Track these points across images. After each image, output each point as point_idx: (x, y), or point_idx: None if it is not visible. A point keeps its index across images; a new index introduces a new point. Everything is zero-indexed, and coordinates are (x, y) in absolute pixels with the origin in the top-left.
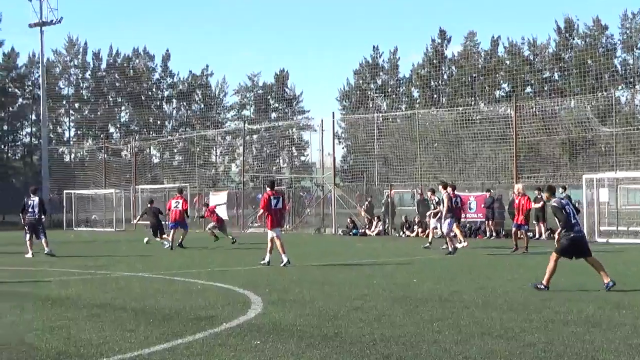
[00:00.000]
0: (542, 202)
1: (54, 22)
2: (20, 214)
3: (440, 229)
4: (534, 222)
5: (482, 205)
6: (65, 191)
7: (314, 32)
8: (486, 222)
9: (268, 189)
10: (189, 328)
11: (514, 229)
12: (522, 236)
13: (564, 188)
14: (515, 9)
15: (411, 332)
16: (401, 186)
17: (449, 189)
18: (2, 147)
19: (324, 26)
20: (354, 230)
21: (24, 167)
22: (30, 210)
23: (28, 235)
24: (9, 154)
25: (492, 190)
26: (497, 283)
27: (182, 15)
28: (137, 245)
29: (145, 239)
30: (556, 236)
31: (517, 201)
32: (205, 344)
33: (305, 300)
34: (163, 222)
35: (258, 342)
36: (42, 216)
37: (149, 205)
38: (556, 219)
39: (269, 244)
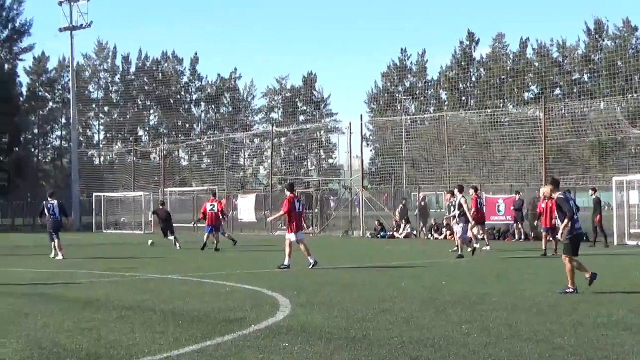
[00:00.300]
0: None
1: (83, 26)
2: (40, 218)
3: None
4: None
5: (512, 207)
6: (94, 194)
7: (342, 35)
8: (515, 224)
9: (288, 192)
10: (218, 330)
11: (543, 233)
12: (550, 239)
13: (594, 190)
14: (544, 10)
15: (439, 334)
16: (429, 189)
17: (471, 191)
18: (33, 150)
19: (351, 28)
20: (382, 233)
21: (54, 170)
22: (51, 213)
23: (54, 238)
24: (39, 157)
25: (521, 193)
26: (525, 286)
27: (210, 19)
28: (166, 248)
29: (150, 241)
30: (561, 229)
31: (543, 205)
32: (234, 345)
33: (333, 303)
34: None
35: (286, 344)
36: (63, 218)
37: (160, 206)
38: (560, 212)
39: (288, 248)
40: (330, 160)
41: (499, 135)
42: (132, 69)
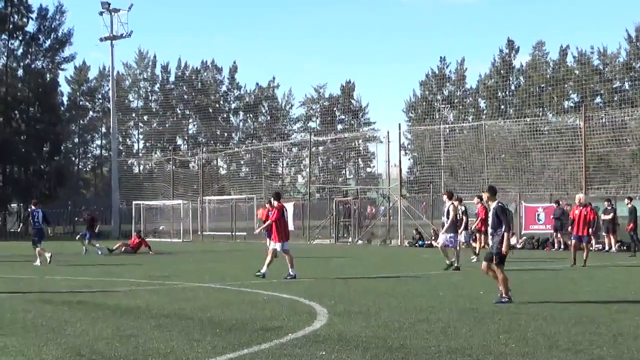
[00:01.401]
0: (612, 214)
1: (124, 35)
2: (22, 223)
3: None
4: (604, 233)
5: (552, 217)
6: (134, 202)
7: (381, 43)
8: (554, 233)
9: (275, 202)
10: (255, 338)
11: (573, 241)
12: (583, 249)
13: (630, 199)
14: (584, 18)
15: (477, 344)
16: (468, 197)
17: (476, 199)
18: (73, 159)
19: (390, 37)
20: (420, 242)
21: (94, 178)
22: (35, 221)
23: (37, 245)
24: (80, 166)
25: (560, 202)
26: (563, 296)
27: (249, 28)
28: (205, 256)
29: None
30: (505, 240)
31: (577, 212)
32: (271, 354)
33: (370, 312)
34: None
35: (323, 353)
36: (45, 226)
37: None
38: (497, 221)
39: (269, 257)
40: (369, 169)
41: (539, 144)
42: (172, 78)
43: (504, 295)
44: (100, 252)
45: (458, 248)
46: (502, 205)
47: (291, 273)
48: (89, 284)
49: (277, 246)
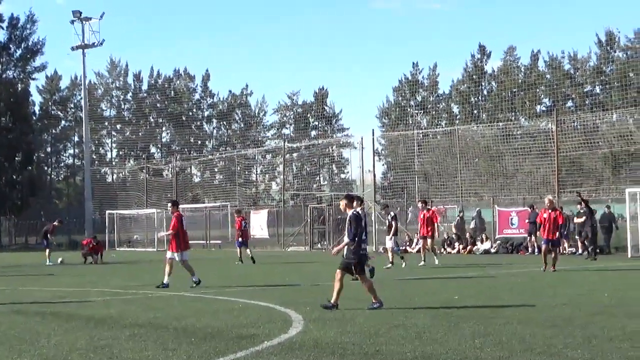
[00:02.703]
0: (584, 217)
1: (95, 44)
2: None
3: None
4: (577, 237)
5: (526, 221)
6: (107, 211)
7: (353, 50)
8: (529, 237)
9: (177, 209)
10: (231, 346)
11: (543, 246)
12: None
13: (608, 207)
14: (555, 23)
15: (453, 348)
16: (442, 202)
17: (420, 205)
18: (46, 169)
19: (362, 43)
20: (395, 248)
21: (67, 188)
22: None
23: None
24: (53, 176)
25: (535, 206)
26: (539, 299)
27: (221, 36)
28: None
29: (60, 259)
30: (340, 246)
31: (545, 215)
32: None
33: (346, 318)
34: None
35: None
36: None
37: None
38: (349, 230)
39: (168, 267)
40: (343, 175)
41: (511, 149)
42: (144, 87)
43: (374, 300)
44: (49, 263)
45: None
46: (357, 214)
47: (194, 280)
48: (62, 295)
49: (175, 256)
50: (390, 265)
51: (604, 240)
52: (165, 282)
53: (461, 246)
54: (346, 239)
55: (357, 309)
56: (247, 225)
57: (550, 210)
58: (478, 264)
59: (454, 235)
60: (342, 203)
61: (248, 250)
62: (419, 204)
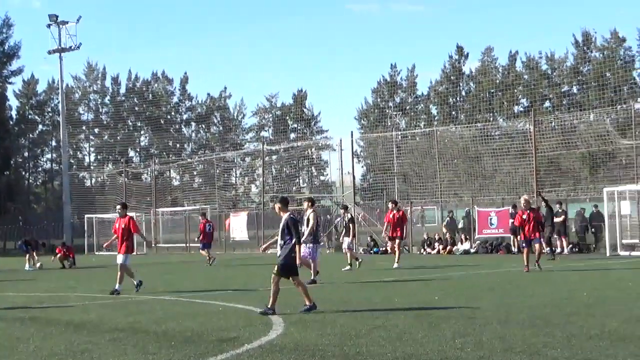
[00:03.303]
0: (563, 216)
1: (72, 48)
2: None
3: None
4: (556, 236)
5: (510, 220)
6: (86, 216)
7: (331, 51)
8: (514, 237)
9: (125, 212)
10: (211, 350)
11: (525, 249)
12: (535, 252)
13: (596, 207)
14: (532, 24)
15: (433, 349)
16: (422, 203)
17: (390, 205)
18: (24, 173)
19: (341, 45)
20: (374, 249)
21: (45, 192)
22: None
23: None
24: (30, 181)
25: (515, 206)
26: (518, 299)
27: (199, 38)
28: (159, 268)
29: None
30: (298, 252)
31: (525, 217)
32: None
33: (326, 320)
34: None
35: None
36: None
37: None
38: (288, 233)
39: (120, 272)
40: (322, 177)
41: (490, 149)
42: (122, 90)
43: (306, 303)
44: (28, 268)
45: (314, 260)
46: (294, 217)
47: (117, 288)
48: (41, 300)
49: (120, 258)
50: (349, 267)
51: (594, 239)
52: (117, 288)
53: (441, 247)
54: (280, 241)
55: (337, 312)
56: (211, 228)
57: (528, 210)
58: (458, 264)
59: (448, 236)
60: (277, 206)
61: (205, 252)
62: (389, 204)
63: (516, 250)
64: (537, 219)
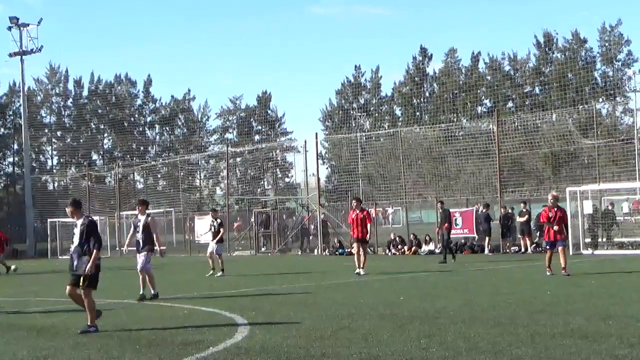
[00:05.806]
0: (526, 216)
1: (34, 50)
2: None
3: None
4: (519, 235)
5: (479, 221)
6: (49, 220)
7: (295, 53)
8: (487, 238)
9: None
10: (176, 353)
11: (548, 248)
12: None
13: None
14: (495, 25)
15: (399, 350)
16: (386, 204)
17: (354, 203)
18: None
19: (304, 47)
20: (340, 250)
21: (7, 196)
22: None
23: None
24: None
25: (488, 206)
26: (483, 298)
27: (162, 40)
28: (122, 273)
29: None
30: (93, 260)
31: (551, 214)
32: None
33: (292, 322)
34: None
35: None
36: None
37: None
38: (84, 238)
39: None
40: (287, 179)
41: (454, 150)
42: (85, 93)
43: (90, 323)
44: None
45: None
46: (93, 220)
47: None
48: (2, 305)
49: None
50: (221, 273)
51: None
52: None
53: (406, 247)
54: (75, 249)
55: (303, 313)
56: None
57: (555, 208)
58: (423, 264)
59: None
60: (69, 210)
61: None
62: (353, 202)
63: (523, 249)
64: (563, 219)
